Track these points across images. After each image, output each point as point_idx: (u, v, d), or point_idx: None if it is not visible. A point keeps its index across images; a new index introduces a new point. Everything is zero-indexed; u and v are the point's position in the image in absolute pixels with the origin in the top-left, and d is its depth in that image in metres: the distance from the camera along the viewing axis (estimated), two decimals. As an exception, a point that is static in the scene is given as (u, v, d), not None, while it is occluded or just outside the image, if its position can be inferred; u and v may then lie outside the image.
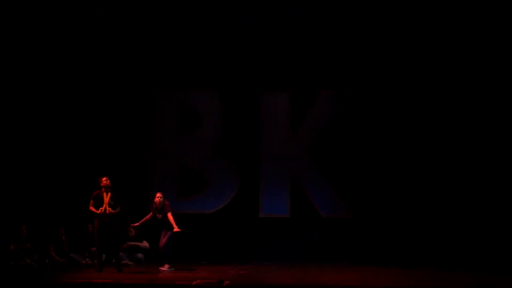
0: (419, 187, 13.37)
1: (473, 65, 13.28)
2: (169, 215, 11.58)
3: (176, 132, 14.25)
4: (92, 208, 11.25)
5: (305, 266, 12.40)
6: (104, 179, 11.33)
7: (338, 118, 13.82)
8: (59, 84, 14.14)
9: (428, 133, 13.45)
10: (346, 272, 11.57)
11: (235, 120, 14.12)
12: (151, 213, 11.87)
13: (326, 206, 13.77)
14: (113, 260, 11.43)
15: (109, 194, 11.26)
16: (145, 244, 13.07)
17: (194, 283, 9.91)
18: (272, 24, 13.70)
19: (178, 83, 14.27)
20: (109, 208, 11.17)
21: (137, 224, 11.91)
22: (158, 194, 11.82)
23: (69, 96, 14.14)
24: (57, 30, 13.84)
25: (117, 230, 11.33)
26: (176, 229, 11.45)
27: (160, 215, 11.73)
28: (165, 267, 11.66)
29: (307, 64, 13.89)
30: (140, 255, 12.88)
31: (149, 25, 13.89)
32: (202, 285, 9.86)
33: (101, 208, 11.18)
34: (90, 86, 14.16)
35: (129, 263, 12.54)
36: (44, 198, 13.74)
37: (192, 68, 14.11)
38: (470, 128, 13.27)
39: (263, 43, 13.87)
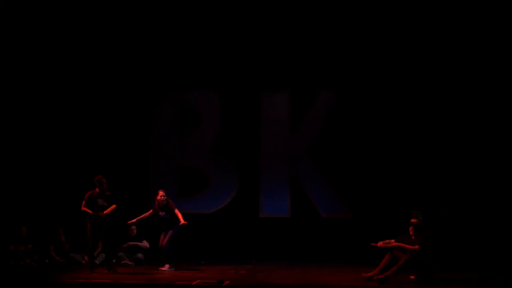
0: (419, 187, 13.34)
1: (472, 65, 13.25)
2: (177, 211, 11.70)
3: (176, 132, 14.26)
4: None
5: (305, 266, 12.39)
6: None
7: (338, 118, 13.81)
8: (59, 85, 14.17)
9: (428, 133, 13.42)
10: (346, 272, 11.55)
11: (235, 120, 14.12)
12: (151, 211, 11.89)
13: (326, 206, 13.77)
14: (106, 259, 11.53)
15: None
16: (145, 244, 13.07)
17: (194, 283, 9.91)
18: (272, 24, 13.70)
19: (178, 83, 14.28)
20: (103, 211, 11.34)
21: (133, 221, 11.93)
22: (162, 193, 11.85)
23: (69, 97, 14.18)
24: (58, 30, 13.87)
25: (107, 230, 11.36)
26: (182, 221, 11.55)
27: (163, 213, 11.76)
28: (165, 267, 11.67)
29: (307, 64, 13.89)
30: (140, 255, 12.88)
31: (149, 25, 13.90)
32: (202, 285, 9.86)
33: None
34: (91, 87, 14.20)
35: (129, 263, 12.54)
36: (44, 198, 13.76)
37: (192, 68, 14.12)
38: (471, 128, 13.23)
39: (263, 43, 13.86)
